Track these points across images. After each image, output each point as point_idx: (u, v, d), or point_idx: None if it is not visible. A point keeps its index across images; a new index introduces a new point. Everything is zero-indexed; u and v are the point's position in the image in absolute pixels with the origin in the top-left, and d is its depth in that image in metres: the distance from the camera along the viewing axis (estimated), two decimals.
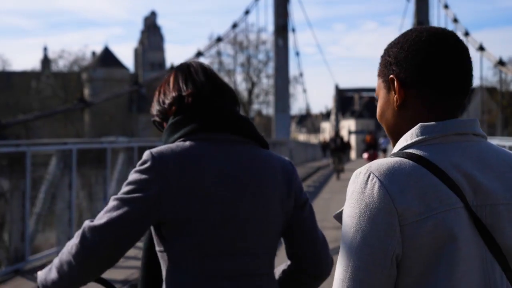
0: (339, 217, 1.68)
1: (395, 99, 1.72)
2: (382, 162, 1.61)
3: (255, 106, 73.43)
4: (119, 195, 2.10)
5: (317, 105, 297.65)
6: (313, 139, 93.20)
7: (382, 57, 1.78)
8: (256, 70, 68.86)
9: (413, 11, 41.48)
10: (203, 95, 2.23)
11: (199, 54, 36.07)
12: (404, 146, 1.66)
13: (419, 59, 1.68)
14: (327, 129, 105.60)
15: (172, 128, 2.21)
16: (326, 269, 2.36)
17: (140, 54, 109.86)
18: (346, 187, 1.64)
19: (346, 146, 32.18)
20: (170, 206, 2.08)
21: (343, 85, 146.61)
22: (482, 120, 42.66)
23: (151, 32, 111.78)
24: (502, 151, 1.71)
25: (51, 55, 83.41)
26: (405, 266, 1.56)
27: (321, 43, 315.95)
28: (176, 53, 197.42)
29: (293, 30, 43.70)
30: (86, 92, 76.37)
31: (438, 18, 42.53)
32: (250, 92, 69.29)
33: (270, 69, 62.99)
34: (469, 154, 1.64)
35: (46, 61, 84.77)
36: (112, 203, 2.10)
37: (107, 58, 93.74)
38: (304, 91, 78.71)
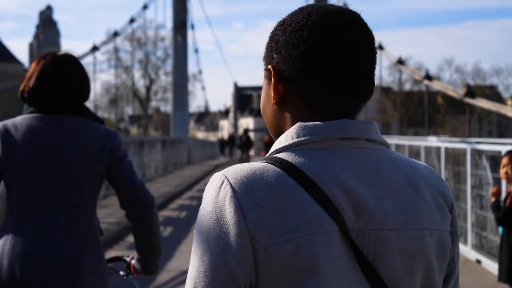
0: None
1: (272, 95, 1.41)
2: (243, 167, 1.30)
3: (153, 103, 72.94)
4: None
5: (216, 103, 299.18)
6: (212, 136, 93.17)
7: (268, 38, 1.45)
8: (155, 67, 68.28)
9: None
10: (39, 89, 2.97)
11: (94, 48, 35.42)
12: (277, 150, 1.35)
13: (302, 48, 1.34)
14: (225, 127, 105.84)
15: (23, 109, 3.03)
16: (145, 209, 2.96)
17: (35, 49, 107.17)
18: None
19: (250, 143, 36.22)
20: (1, 157, 2.89)
21: (242, 83, 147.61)
22: (376, 119, 43.98)
23: (47, 27, 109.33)
24: (403, 162, 1.38)
25: None
26: None
27: (221, 41, 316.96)
28: (73, 49, 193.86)
29: (192, 27, 43.88)
30: None
31: None
32: (148, 89, 68.58)
33: (169, 66, 62.92)
34: (357, 164, 1.31)
35: None
36: None
37: (0, 52, 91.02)
38: (203, 88, 78.40)
